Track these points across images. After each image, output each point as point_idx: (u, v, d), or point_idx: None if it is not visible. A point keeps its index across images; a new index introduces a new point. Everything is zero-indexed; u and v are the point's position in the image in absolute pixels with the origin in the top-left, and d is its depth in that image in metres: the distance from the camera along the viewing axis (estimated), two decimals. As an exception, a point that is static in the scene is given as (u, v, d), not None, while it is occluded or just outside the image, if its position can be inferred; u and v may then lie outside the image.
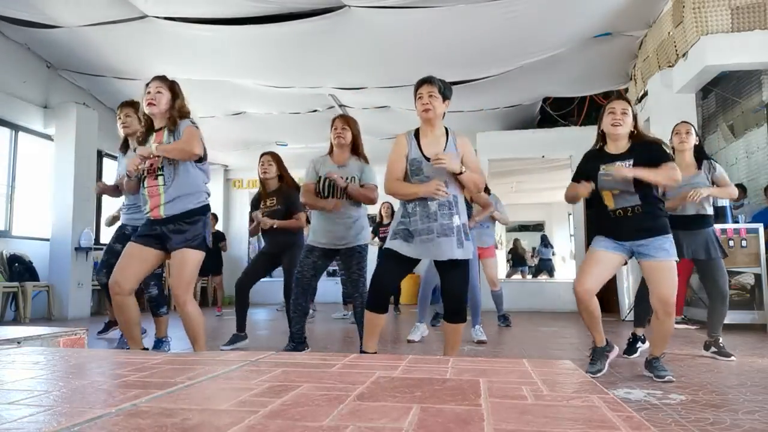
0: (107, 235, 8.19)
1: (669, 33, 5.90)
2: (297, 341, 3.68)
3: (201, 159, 2.89)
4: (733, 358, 3.39)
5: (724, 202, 5.36)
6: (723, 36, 5.24)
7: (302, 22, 5.82)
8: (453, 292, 2.77)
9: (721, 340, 3.52)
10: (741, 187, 6.53)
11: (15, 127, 7.16)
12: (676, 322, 5.34)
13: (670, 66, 6.07)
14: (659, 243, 2.78)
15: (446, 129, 2.84)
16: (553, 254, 14.03)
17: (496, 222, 5.67)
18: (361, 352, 2.88)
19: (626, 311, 6.32)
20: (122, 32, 6.19)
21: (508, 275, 12.43)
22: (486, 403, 0.92)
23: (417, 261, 2.80)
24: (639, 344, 3.63)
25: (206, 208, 2.95)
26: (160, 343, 3.87)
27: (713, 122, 7.40)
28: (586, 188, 2.91)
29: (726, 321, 5.01)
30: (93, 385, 1.13)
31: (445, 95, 2.77)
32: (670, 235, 2.83)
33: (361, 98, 7.93)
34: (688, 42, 5.50)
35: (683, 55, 5.71)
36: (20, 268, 6.76)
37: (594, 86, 7.98)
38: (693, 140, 3.58)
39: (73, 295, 7.15)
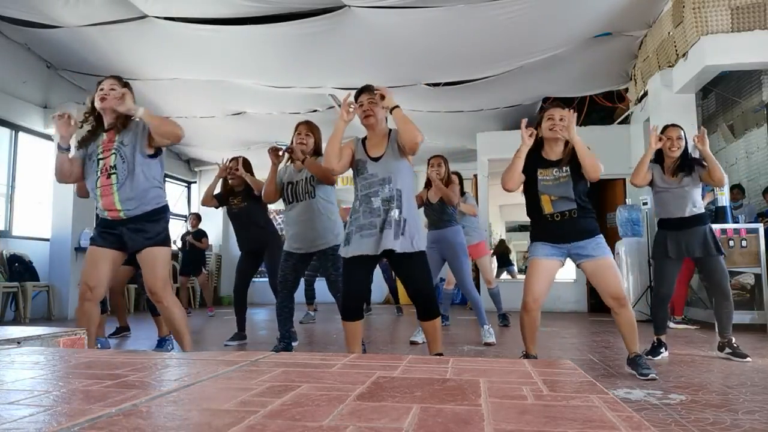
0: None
1: (669, 33, 5.90)
2: (285, 342, 3.74)
3: (157, 152, 2.84)
4: (748, 359, 3.33)
5: (724, 202, 5.36)
6: (723, 36, 5.25)
7: (302, 22, 5.82)
8: (414, 287, 2.82)
9: (734, 340, 3.48)
10: (739, 188, 6.54)
11: (15, 127, 7.16)
12: (677, 323, 5.36)
13: (670, 66, 6.07)
14: (596, 243, 2.90)
15: (390, 130, 2.92)
16: None
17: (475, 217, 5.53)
18: None
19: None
20: (122, 32, 6.19)
21: (496, 275, 12.41)
22: (486, 403, 0.92)
23: (373, 260, 2.83)
24: (662, 350, 3.56)
25: (166, 206, 2.91)
26: (163, 342, 3.88)
27: (713, 122, 7.41)
28: (525, 142, 2.96)
29: (726, 321, 5.04)
30: (93, 385, 1.13)
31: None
32: (601, 235, 2.93)
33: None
34: (688, 42, 5.50)
35: (683, 55, 5.72)
36: (20, 268, 6.76)
37: (594, 86, 7.98)
38: (683, 144, 3.47)
39: (73, 295, 7.14)
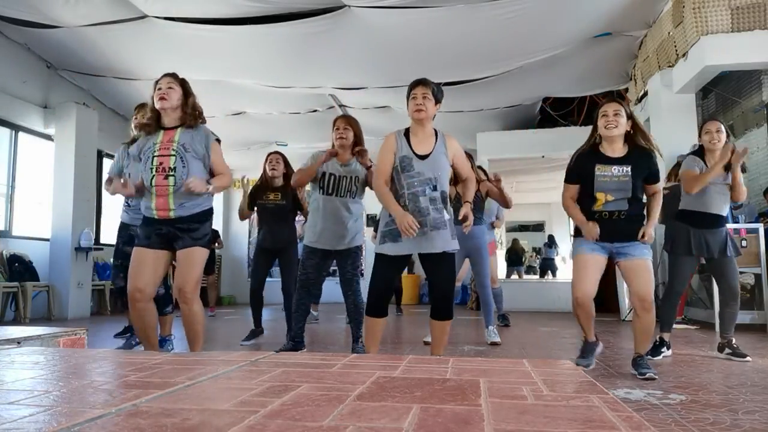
0: (107, 235, 8.23)
1: (669, 33, 5.90)
2: (297, 340, 3.69)
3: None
4: (748, 358, 3.31)
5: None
6: (723, 36, 5.24)
7: (302, 22, 5.82)
8: (440, 288, 2.81)
9: (734, 341, 3.46)
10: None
11: (15, 127, 7.16)
12: (676, 323, 5.36)
13: (670, 66, 6.07)
14: (632, 244, 2.89)
15: (435, 130, 2.92)
16: (557, 254, 14.06)
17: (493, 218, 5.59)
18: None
19: (626, 311, 6.32)
20: (122, 32, 6.19)
21: (507, 275, 12.46)
22: (486, 403, 0.92)
23: (407, 260, 2.85)
24: (664, 349, 3.52)
25: (212, 209, 2.99)
26: (164, 342, 3.89)
27: (713, 122, 7.40)
28: (590, 232, 2.93)
29: (726, 321, 5.04)
30: (93, 385, 1.13)
31: (438, 98, 2.87)
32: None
33: (361, 98, 7.93)
34: (688, 42, 5.50)
35: (683, 55, 5.71)
36: (20, 268, 6.76)
37: (594, 86, 7.98)
38: (724, 138, 3.42)
39: (73, 295, 7.15)
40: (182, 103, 2.87)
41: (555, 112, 8.83)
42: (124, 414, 0.88)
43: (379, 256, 2.82)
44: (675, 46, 5.82)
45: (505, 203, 4.50)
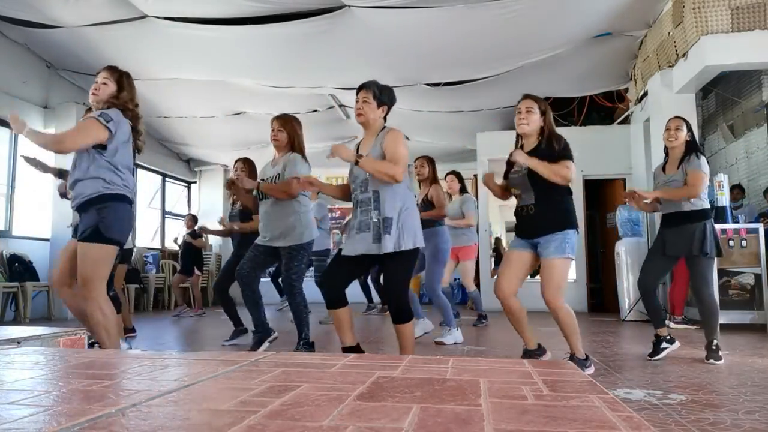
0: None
1: (669, 33, 5.90)
2: (261, 331, 3.76)
3: (103, 146, 2.71)
4: (720, 362, 3.22)
5: (724, 202, 5.36)
6: (723, 36, 5.24)
7: (302, 22, 5.82)
8: (386, 289, 2.83)
9: (715, 342, 3.31)
10: (739, 188, 6.54)
11: (15, 127, 7.16)
12: (677, 323, 5.36)
13: (670, 66, 6.07)
14: (549, 240, 2.86)
15: (382, 128, 2.88)
16: None
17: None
18: (343, 349, 2.86)
19: (626, 311, 6.31)
20: (122, 32, 6.19)
21: (492, 274, 12.41)
22: (486, 403, 0.92)
23: (364, 260, 2.79)
24: (665, 344, 3.44)
25: (102, 197, 2.69)
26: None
27: (713, 122, 7.40)
28: (489, 179, 3.09)
29: (726, 321, 5.03)
30: (93, 385, 1.13)
31: (381, 100, 2.84)
32: (566, 232, 2.86)
33: (361, 98, 7.93)
34: (688, 42, 5.50)
35: (683, 55, 5.71)
36: (20, 268, 6.76)
37: (594, 86, 7.98)
38: (683, 136, 3.42)
39: (73, 295, 7.13)
40: (113, 98, 2.81)
41: (555, 112, 8.81)
42: (125, 414, 0.88)
43: (336, 253, 2.98)
44: (675, 46, 5.82)
45: (438, 215, 4.51)
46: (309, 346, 3.62)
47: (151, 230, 10.01)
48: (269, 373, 1.22)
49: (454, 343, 4.26)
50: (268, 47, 6.42)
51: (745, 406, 2.18)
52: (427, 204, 4.57)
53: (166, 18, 5.84)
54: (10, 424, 0.81)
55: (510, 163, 3.07)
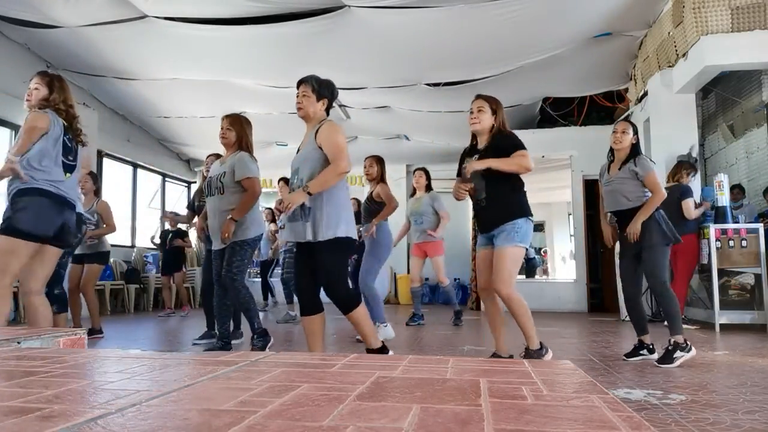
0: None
1: (669, 33, 5.90)
2: (224, 340, 3.71)
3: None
4: (675, 365, 3.11)
5: (724, 202, 5.36)
6: (723, 36, 5.24)
7: (302, 22, 5.82)
8: (317, 281, 2.82)
9: (672, 342, 3.17)
10: (739, 188, 6.54)
11: (15, 127, 7.15)
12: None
13: (670, 66, 6.07)
14: (500, 231, 2.93)
15: (321, 122, 2.87)
16: (537, 253, 13.98)
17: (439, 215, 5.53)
18: (367, 351, 2.85)
19: (626, 311, 6.31)
20: (122, 32, 6.19)
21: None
22: (486, 403, 0.92)
23: (310, 249, 2.76)
24: (644, 351, 3.38)
25: (21, 191, 2.77)
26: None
27: (713, 122, 7.40)
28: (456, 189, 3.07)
29: (726, 321, 5.04)
30: (93, 385, 1.13)
31: (321, 93, 2.85)
32: (516, 222, 2.91)
33: (361, 98, 7.93)
34: (688, 42, 5.50)
35: (683, 55, 5.71)
36: (20, 268, 6.76)
37: (594, 86, 7.98)
38: (629, 139, 3.45)
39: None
40: (43, 100, 2.87)
41: (555, 112, 8.83)
42: (125, 414, 0.88)
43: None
44: (675, 46, 5.82)
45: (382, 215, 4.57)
46: (262, 336, 3.51)
47: (151, 230, 9.98)
48: (269, 373, 1.22)
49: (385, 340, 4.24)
50: (268, 47, 6.42)
51: (745, 406, 2.18)
52: (371, 202, 4.71)
53: (166, 18, 5.84)
54: (9, 424, 0.81)
55: (461, 162, 3.13)
